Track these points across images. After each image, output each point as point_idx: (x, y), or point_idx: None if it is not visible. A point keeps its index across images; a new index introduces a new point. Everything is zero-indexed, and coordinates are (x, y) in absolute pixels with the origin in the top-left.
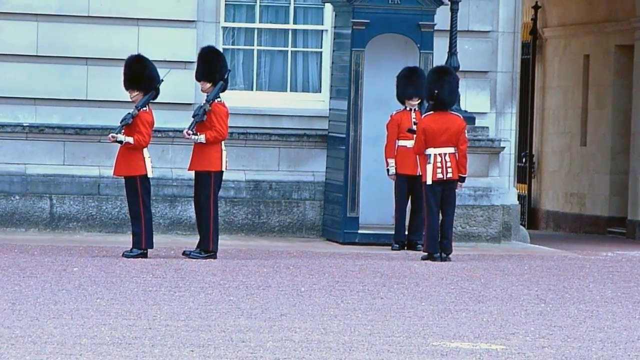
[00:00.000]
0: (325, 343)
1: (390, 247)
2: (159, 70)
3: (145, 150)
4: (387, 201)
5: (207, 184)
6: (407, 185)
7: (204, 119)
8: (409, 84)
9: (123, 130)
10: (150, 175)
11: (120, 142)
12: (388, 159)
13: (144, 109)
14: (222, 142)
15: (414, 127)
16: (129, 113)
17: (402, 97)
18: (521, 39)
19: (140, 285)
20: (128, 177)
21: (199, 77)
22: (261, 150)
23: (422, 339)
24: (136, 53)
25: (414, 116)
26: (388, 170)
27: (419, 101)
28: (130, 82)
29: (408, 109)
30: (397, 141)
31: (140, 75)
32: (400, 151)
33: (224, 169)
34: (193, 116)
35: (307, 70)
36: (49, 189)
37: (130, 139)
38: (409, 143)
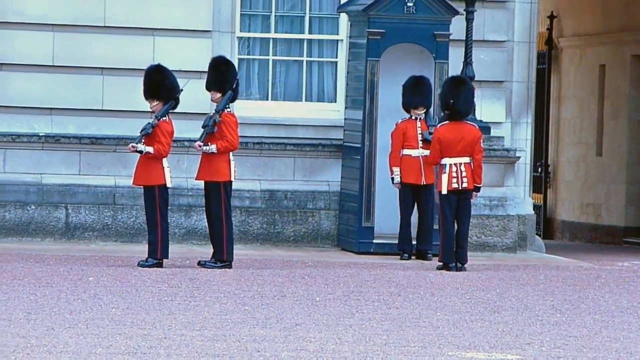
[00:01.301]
0: (340, 353)
1: (399, 257)
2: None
3: (164, 160)
4: None
5: (217, 195)
6: (412, 194)
7: (215, 130)
8: (415, 93)
9: (143, 140)
10: (169, 185)
11: (141, 152)
12: (393, 168)
13: (164, 118)
14: (230, 152)
15: (430, 137)
16: (149, 123)
17: (407, 106)
18: (537, 49)
19: (155, 295)
20: (147, 187)
21: (209, 87)
22: (276, 160)
23: (438, 349)
24: (156, 63)
25: (419, 125)
26: (393, 179)
27: (425, 110)
28: (150, 92)
29: (414, 117)
30: (401, 150)
31: (160, 85)
32: (404, 160)
33: (232, 178)
34: (203, 127)
35: (323, 80)
36: (65, 199)
37: (150, 149)
38: (414, 152)
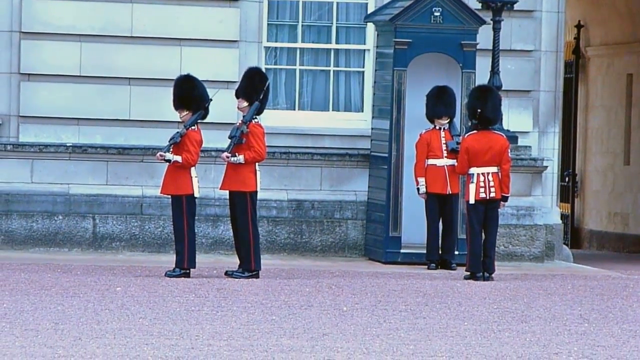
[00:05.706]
0: None
1: (426, 267)
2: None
3: (192, 169)
4: None
5: (243, 205)
6: (438, 204)
7: (243, 141)
8: (439, 102)
9: (171, 149)
10: (197, 195)
11: (169, 160)
12: (418, 178)
13: (193, 127)
14: (257, 162)
15: (456, 146)
16: (178, 132)
17: (431, 116)
18: (564, 58)
19: (182, 305)
20: (174, 196)
21: (238, 94)
22: (303, 169)
23: (465, 359)
24: (185, 73)
25: (443, 135)
26: (418, 189)
27: (449, 120)
28: (180, 102)
29: (437, 127)
30: (426, 160)
31: (190, 94)
32: (429, 170)
33: (258, 188)
34: (229, 137)
35: (350, 90)
36: (92, 209)
37: (178, 158)
38: (439, 162)
